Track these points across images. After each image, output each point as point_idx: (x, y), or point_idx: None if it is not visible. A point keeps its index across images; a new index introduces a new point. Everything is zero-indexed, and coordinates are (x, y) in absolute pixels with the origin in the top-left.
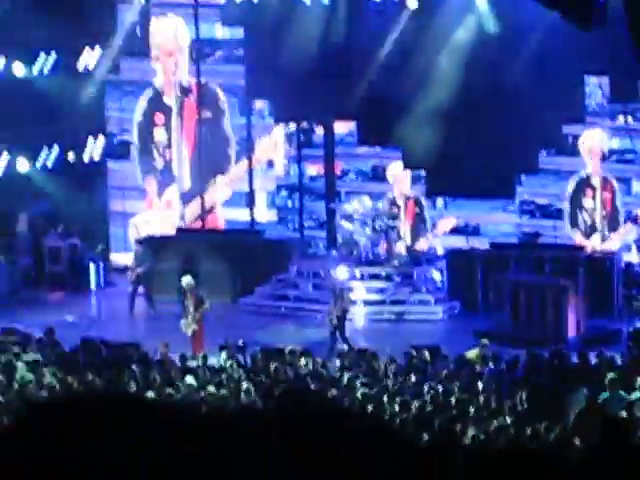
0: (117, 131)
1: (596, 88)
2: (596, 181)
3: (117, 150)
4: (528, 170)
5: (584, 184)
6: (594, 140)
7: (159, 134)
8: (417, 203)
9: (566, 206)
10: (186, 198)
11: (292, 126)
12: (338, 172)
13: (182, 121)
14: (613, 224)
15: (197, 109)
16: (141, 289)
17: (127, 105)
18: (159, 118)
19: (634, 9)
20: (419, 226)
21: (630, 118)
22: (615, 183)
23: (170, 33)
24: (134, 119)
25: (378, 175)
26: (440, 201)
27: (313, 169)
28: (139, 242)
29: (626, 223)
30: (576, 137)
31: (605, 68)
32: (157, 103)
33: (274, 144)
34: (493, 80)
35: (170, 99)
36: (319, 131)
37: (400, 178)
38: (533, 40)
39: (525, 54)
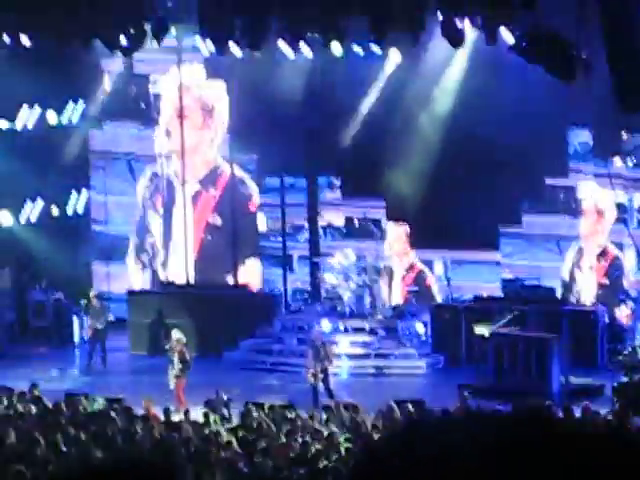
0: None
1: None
2: (590, 249)
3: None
4: (511, 222)
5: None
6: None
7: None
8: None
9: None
10: None
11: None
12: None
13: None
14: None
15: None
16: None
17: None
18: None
19: (616, 62)
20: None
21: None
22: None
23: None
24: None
25: (352, 232)
26: (439, 266)
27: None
28: (96, 297)
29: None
30: (567, 190)
31: (588, 121)
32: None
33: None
34: (476, 133)
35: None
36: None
37: (395, 236)
38: (515, 93)
39: (507, 107)
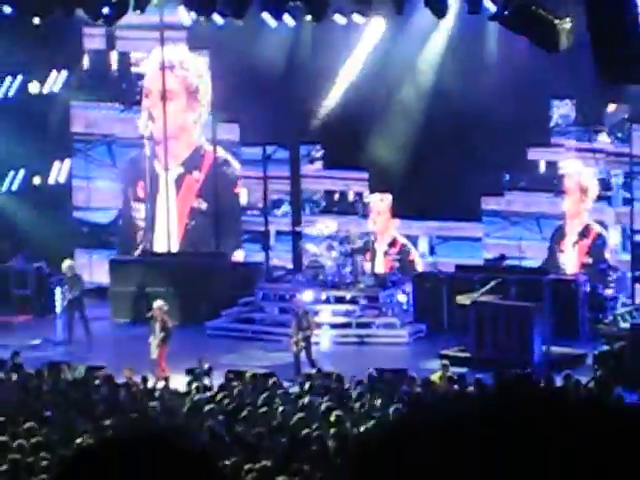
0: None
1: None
2: (572, 227)
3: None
4: (493, 192)
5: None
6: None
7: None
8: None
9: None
10: None
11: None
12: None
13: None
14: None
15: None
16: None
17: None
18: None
19: (598, 32)
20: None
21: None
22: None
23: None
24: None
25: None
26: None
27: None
28: (69, 267)
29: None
30: (550, 164)
31: (571, 92)
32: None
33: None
34: (458, 103)
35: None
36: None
37: (379, 209)
38: (499, 63)
39: (491, 77)
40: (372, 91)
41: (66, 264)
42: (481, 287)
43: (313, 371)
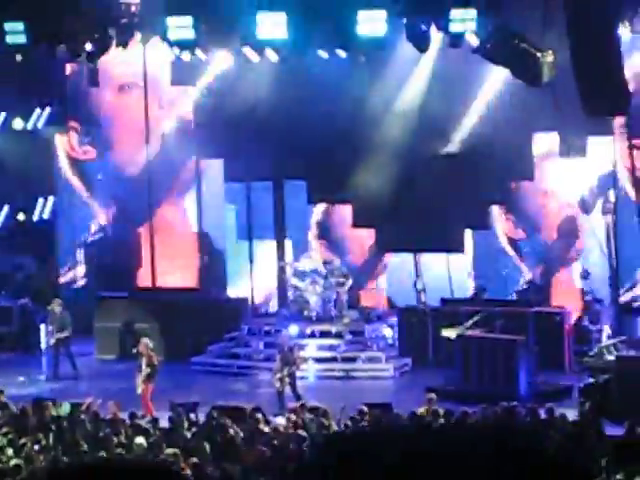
0: None
1: None
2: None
3: None
4: (478, 226)
5: None
6: None
7: None
8: None
9: None
10: None
11: None
12: None
13: None
14: None
15: None
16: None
17: None
18: None
19: (581, 66)
20: None
21: None
22: None
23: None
24: None
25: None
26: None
27: None
28: (60, 305)
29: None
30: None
31: (554, 125)
32: None
33: None
34: (442, 137)
35: None
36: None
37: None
38: (481, 97)
39: (474, 110)
40: (355, 124)
41: (56, 302)
42: (467, 320)
43: (298, 404)
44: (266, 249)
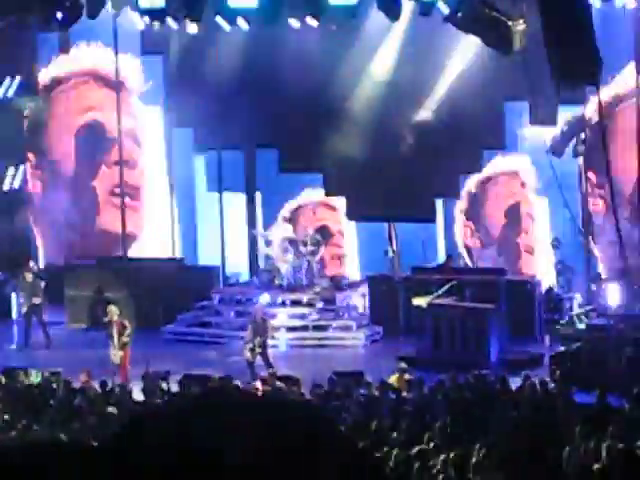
0: None
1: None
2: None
3: None
4: (449, 195)
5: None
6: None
7: None
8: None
9: None
10: None
11: None
12: None
13: None
14: None
15: None
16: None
17: None
18: None
19: (551, 34)
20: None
21: None
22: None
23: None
24: None
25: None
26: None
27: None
28: (31, 272)
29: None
30: None
31: (525, 94)
32: None
33: None
34: (413, 106)
35: None
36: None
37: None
38: (452, 66)
39: (445, 79)
40: (327, 91)
41: (27, 268)
42: (437, 289)
43: (268, 373)
44: (236, 204)
